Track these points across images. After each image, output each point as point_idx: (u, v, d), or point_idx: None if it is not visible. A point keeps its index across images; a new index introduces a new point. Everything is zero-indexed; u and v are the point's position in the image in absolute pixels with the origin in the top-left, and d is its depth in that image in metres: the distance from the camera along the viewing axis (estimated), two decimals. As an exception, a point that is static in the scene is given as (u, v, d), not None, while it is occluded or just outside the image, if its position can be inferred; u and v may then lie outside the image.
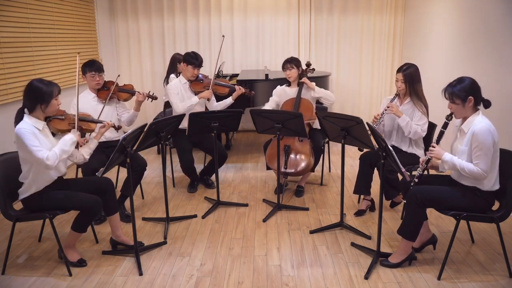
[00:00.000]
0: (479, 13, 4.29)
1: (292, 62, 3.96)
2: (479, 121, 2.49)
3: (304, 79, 3.95)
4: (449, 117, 2.63)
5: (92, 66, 3.52)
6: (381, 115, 3.34)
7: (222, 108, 4.20)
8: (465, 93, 2.51)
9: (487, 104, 2.57)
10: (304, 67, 4.07)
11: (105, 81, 3.63)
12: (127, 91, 3.68)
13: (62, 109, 2.81)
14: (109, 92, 3.57)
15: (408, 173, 2.69)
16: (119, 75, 3.85)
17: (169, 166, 4.55)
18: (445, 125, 2.65)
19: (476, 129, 2.46)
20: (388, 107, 3.29)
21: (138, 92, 3.63)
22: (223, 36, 4.59)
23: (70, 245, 2.85)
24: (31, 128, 2.55)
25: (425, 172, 3.32)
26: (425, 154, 2.75)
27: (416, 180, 2.72)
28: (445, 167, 2.73)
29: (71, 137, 2.70)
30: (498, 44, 3.97)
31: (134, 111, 3.64)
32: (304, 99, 3.96)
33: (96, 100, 3.58)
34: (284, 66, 4.00)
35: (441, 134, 2.67)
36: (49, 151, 2.56)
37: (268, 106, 4.15)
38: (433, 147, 2.65)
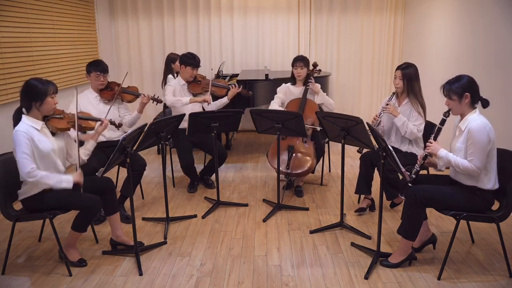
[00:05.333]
0: (478, 13, 4.28)
1: (303, 60, 3.94)
2: (474, 119, 2.51)
3: (312, 84, 3.93)
4: (446, 114, 2.64)
5: (98, 66, 3.49)
6: (379, 115, 3.36)
7: (217, 107, 4.19)
8: (462, 90, 2.53)
9: (485, 103, 2.57)
10: (311, 67, 4.07)
11: (108, 81, 3.61)
12: (132, 93, 3.67)
13: (61, 109, 2.81)
14: (113, 92, 3.56)
15: (408, 173, 2.69)
16: (127, 73, 3.90)
17: (169, 166, 4.55)
18: (442, 122, 2.66)
19: (472, 127, 2.48)
20: (385, 107, 3.33)
21: (143, 94, 3.61)
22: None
23: (70, 245, 2.84)
24: (29, 130, 2.53)
25: (425, 172, 3.35)
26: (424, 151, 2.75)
27: (414, 176, 2.72)
28: (441, 164, 2.73)
29: (68, 181, 2.62)
30: (497, 44, 3.97)
31: (137, 113, 3.62)
32: (309, 100, 3.96)
33: (98, 99, 3.57)
34: (295, 64, 3.96)
35: (438, 130, 2.68)
36: (37, 169, 2.52)
37: (275, 104, 4.07)
38: (430, 143, 2.66)
